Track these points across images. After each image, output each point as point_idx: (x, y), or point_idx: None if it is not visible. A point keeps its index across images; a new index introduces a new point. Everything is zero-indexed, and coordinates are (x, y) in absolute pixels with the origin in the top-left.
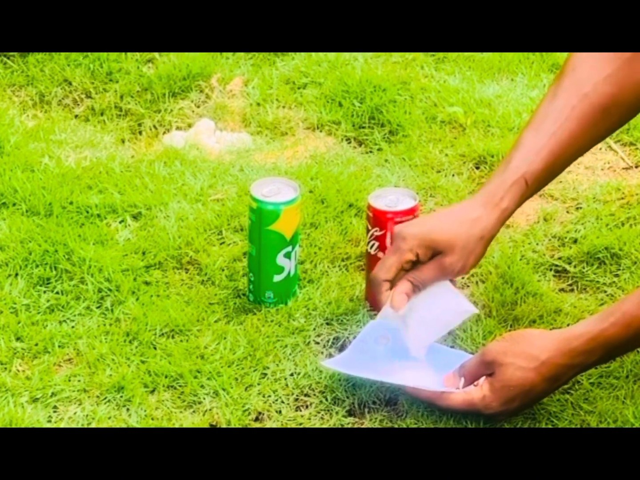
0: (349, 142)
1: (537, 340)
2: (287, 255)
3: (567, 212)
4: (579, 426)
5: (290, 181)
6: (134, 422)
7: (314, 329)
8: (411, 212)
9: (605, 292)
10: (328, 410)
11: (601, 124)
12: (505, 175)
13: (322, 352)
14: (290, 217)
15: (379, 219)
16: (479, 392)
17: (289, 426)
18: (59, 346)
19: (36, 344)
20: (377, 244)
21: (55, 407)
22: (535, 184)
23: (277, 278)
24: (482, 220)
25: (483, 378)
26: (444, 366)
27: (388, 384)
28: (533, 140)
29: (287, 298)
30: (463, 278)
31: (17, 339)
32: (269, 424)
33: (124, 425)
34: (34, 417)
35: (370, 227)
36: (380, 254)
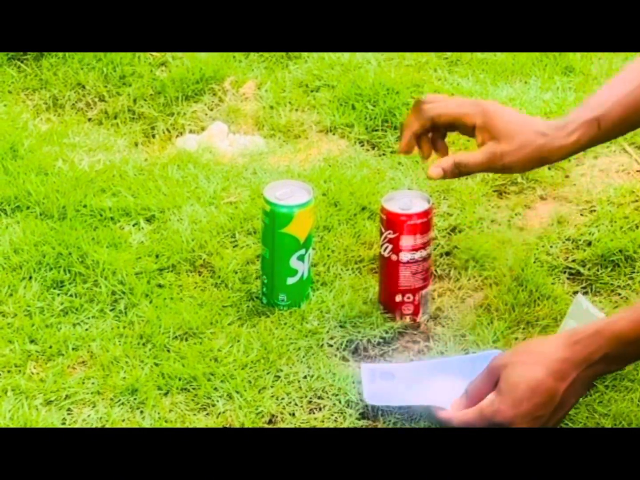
0: (362, 145)
1: (544, 339)
2: (301, 258)
3: (581, 214)
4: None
5: (303, 184)
6: (147, 425)
7: (327, 332)
8: (425, 215)
9: (620, 294)
10: (341, 413)
11: None
12: (578, 114)
13: (335, 355)
14: (304, 220)
15: (393, 222)
16: (487, 400)
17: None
18: (73, 349)
19: (50, 347)
20: (390, 246)
21: (69, 409)
22: (609, 130)
23: (290, 281)
24: (548, 138)
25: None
26: (471, 373)
27: (416, 407)
28: (613, 89)
29: (300, 301)
30: (477, 281)
31: (31, 341)
32: (282, 427)
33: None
34: (48, 420)
35: (383, 230)
36: (393, 257)
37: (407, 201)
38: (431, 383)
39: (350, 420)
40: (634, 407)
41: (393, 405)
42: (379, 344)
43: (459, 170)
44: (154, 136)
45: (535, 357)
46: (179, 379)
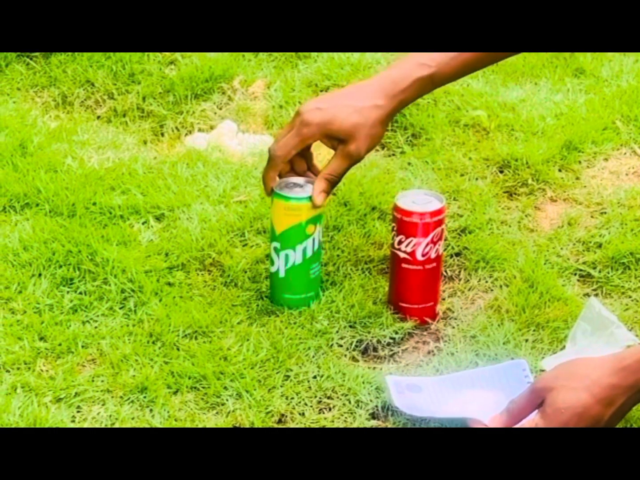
0: None
1: (590, 361)
2: (276, 251)
3: (592, 216)
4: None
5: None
6: (157, 423)
7: (337, 332)
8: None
9: (630, 297)
10: (351, 413)
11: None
12: (413, 70)
13: (345, 355)
14: (278, 212)
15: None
16: (531, 422)
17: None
18: (83, 346)
19: (60, 344)
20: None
21: (78, 407)
22: (440, 85)
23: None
24: (381, 108)
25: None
26: (496, 384)
27: (451, 419)
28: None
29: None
30: (487, 282)
31: (41, 339)
32: (291, 426)
33: (147, 426)
34: (58, 417)
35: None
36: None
37: (420, 199)
38: (459, 395)
39: (360, 421)
40: None
41: (427, 416)
42: (388, 344)
43: (334, 182)
44: (163, 134)
45: (581, 381)
46: (189, 378)
